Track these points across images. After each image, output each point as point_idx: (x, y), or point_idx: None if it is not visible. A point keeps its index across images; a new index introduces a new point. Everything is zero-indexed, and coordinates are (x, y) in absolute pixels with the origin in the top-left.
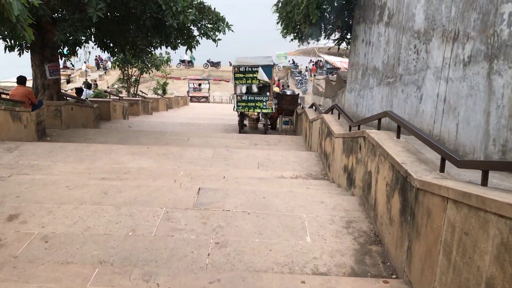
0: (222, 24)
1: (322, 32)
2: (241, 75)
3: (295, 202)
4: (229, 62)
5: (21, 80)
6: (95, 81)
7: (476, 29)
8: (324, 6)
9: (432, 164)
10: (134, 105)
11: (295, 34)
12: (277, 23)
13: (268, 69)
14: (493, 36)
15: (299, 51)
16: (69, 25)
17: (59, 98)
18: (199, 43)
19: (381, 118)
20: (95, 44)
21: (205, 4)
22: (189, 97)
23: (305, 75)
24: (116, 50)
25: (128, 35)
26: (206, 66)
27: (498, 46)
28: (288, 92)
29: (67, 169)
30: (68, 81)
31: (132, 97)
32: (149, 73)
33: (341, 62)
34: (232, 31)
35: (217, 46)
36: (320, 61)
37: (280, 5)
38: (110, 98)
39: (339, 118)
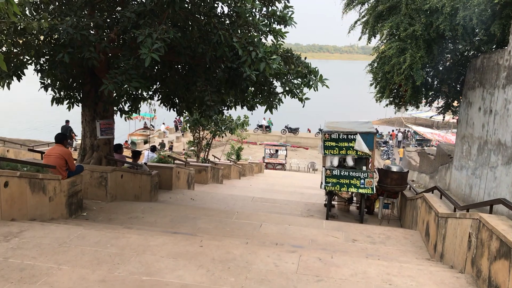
0: (314, 78)
1: (423, 98)
2: (333, 144)
3: None
4: (319, 129)
5: (59, 138)
6: (172, 143)
7: None
8: (428, 68)
9: None
10: (202, 172)
11: (392, 98)
12: (371, 85)
13: (369, 137)
14: None
15: (383, 121)
16: (121, 73)
17: (109, 162)
18: (282, 102)
19: None
20: (158, 99)
21: (293, 52)
22: (265, 163)
23: (391, 145)
24: (181, 106)
25: (194, 88)
26: (283, 132)
27: None
28: (395, 169)
29: (71, 281)
30: (146, 142)
31: (202, 162)
32: (222, 137)
33: (432, 134)
34: (327, 86)
35: (303, 106)
36: (409, 131)
37: (375, 64)
38: (174, 163)
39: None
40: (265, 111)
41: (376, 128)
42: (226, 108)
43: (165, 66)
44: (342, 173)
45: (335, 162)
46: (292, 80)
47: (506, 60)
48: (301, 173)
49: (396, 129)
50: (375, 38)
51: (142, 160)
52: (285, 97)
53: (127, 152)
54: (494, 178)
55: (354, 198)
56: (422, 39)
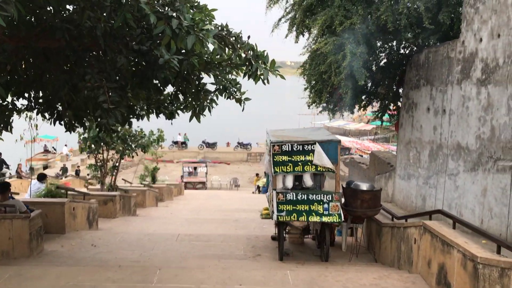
0: (263, 66)
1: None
2: (285, 158)
3: None
4: (238, 142)
5: None
6: (78, 166)
7: None
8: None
9: None
10: (108, 203)
11: (326, 104)
12: (305, 89)
13: (331, 147)
14: None
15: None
16: None
17: None
18: (216, 104)
19: None
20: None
21: (230, 29)
22: (184, 183)
23: None
24: (67, 116)
25: (82, 85)
26: (201, 147)
27: None
28: (364, 187)
29: None
30: (46, 167)
31: (108, 190)
32: (133, 156)
33: (350, 142)
34: (282, 77)
35: (243, 110)
36: None
37: (308, 66)
38: (67, 196)
39: None
40: (190, 119)
41: (335, 136)
42: (135, 117)
43: (36, 57)
44: (299, 197)
45: (289, 182)
46: (228, 75)
47: (459, 52)
48: (224, 190)
49: None
50: (303, 36)
51: (26, 194)
52: (217, 97)
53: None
54: (456, 187)
55: (310, 227)
56: (361, 33)
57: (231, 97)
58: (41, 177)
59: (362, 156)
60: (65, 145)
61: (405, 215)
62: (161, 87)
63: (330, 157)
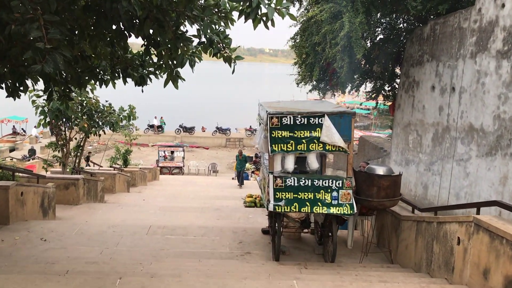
0: (267, 1)
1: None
2: (286, 134)
3: None
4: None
5: None
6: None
7: None
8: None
9: None
10: (70, 187)
11: (316, 82)
12: (295, 63)
13: (343, 121)
14: None
15: None
16: None
17: None
18: (200, 59)
19: None
20: None
21: None
22: (159, 168)
23: None
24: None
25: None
26: (178, 131)
27: None
28: (381, 170)
29: None
30: (12, 149)
31: (72, 173)
32: (99, 135)
33: None
34: (294, 19)
35: (233, 72)
36: None
37: (299, 38)
38: (14, 179)
39: None
40: (166, 83)
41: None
42: (94, 78)
43: None
44: (302, 183)
45: (290, 164)
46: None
47: (474, 21)
48: (202, 176)
49: None
50: (294, 5)
51: None
52: (200, 53)
53: None
54: (466, 175)
55: (310, 219)
56: (360, 1)
57: (218, 54)
58: None
59: None
60: (35, 127)
61: (433, 207)
62: (125, 32)
63: (342, 134)
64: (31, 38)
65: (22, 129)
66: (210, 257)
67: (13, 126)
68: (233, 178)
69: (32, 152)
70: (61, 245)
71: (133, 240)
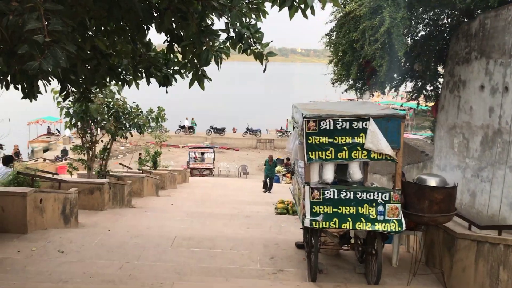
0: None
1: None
2: (325, 140)
3: None
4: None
5: None
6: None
7: None
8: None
9: None
10: (95, 192)
11: (353, 81)
12: (330, 62)
13: (391, 125)
14: None
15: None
16: None
17: None
18: (228, 56)
19: None
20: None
21: None
22: (190, 169)
23: None
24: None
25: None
26: (208, 132)
27: None
28: (434, 182)
29: None
30: (46, 150)
31: (98, 177)
32: (126, 138)
33: None
34: (338, 4)
35: (265, 70)
36: None
37: (335, 34)
38: (35, 185)
39: None
40: (191, 83)
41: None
42: (115, 79)
43: None
44: (343, 195)
45: (329, 174)
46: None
47: None
48: (232, 178)
49: None
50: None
51: None
52: (228, 49)
53: None
54: None
55: (351, 234)
56: None
57: (248, 50)
58: (6, 160)
59: None
60: (68, 127)
61: (496, 225)
62: (143, 24)
63: (390, 140)
64: (28, 30)
65: (57, 129)
66: (239, 275)
67: (48, 126)
68: (263, 181)
69: (64, 152)
70: (78, 257)
71: (156, 254)
